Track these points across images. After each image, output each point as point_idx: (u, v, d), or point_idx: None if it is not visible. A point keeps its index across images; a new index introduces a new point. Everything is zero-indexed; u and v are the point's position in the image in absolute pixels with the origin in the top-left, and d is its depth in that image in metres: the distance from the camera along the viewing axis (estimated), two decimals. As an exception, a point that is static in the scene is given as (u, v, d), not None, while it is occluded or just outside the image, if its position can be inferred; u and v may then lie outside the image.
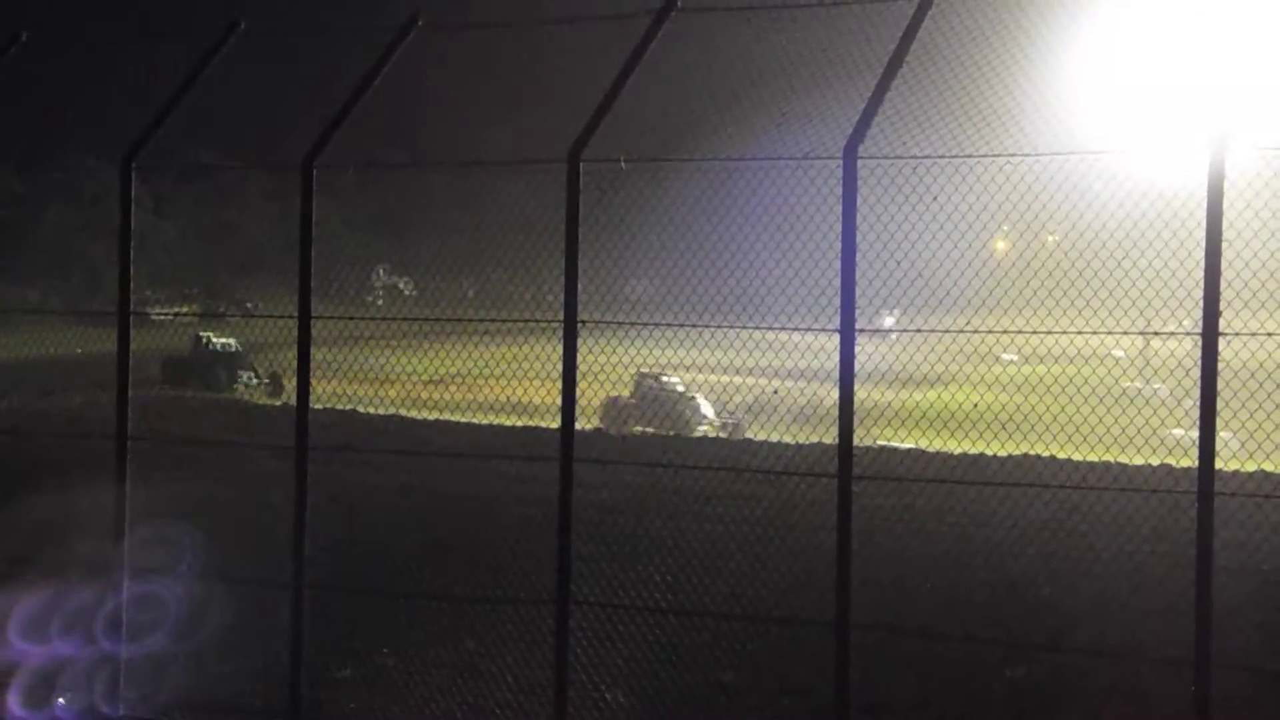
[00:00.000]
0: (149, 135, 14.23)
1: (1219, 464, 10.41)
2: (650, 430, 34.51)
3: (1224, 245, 10.33)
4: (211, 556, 14.57)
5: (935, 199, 11.82)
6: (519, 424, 29.98)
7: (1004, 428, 12.93)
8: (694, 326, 12.95)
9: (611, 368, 13.13)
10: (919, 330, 12.20)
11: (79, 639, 13.74)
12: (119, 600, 13.80)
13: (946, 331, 12.39)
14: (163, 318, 16.85)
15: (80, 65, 16.67)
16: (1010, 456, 14.02)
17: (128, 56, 15.75)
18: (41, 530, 16.28)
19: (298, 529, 13.13)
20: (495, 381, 15.07)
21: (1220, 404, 10.35)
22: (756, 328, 12.95)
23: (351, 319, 14.61)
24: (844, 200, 11.39)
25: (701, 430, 38.27)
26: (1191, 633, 10.44)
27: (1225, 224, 10.31)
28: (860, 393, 11.41)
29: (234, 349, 47.03)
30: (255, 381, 47.08)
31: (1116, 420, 12.50)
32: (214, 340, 47.27)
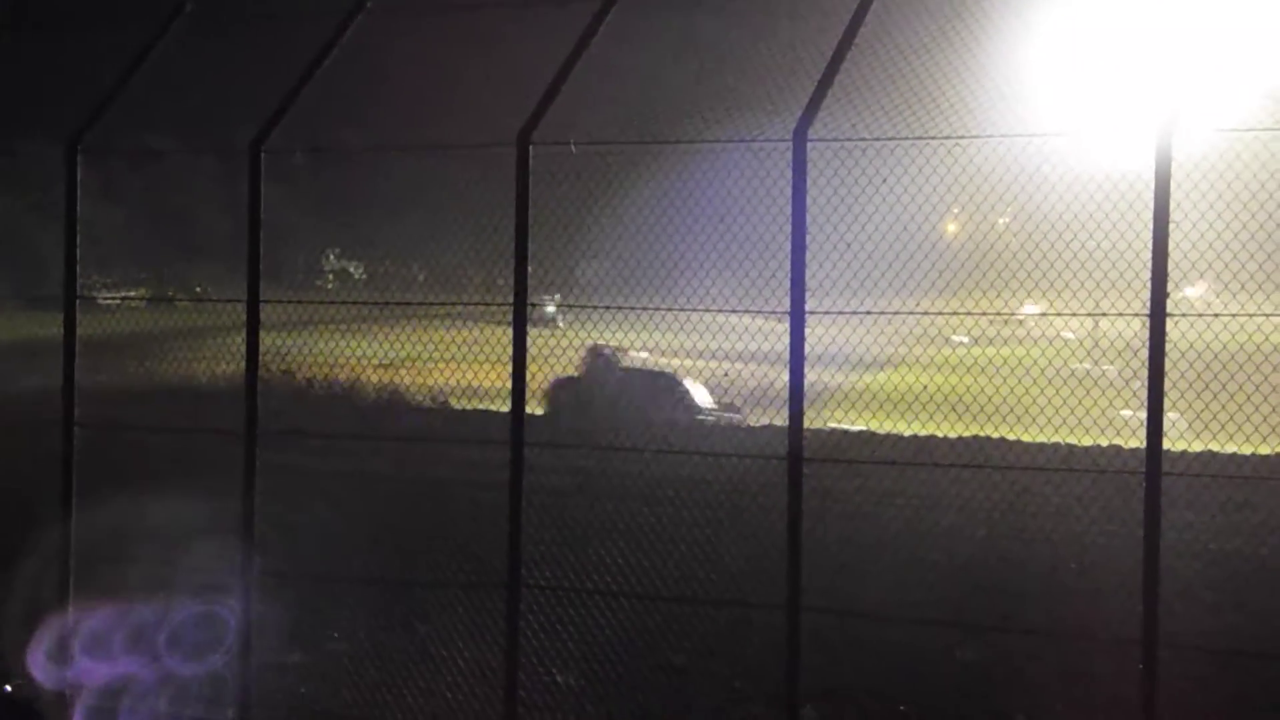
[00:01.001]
0: (95, 119, 14.14)
1: (1167, 444, 10.46)
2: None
3: (1171, 227, 10.37)
4: (165, 540, 14.51)
5: (885, 181, 11.82)
6: (470, 408, 29.89)
7: (954, 409, 12.96)
8: (644, 309, 12.93)
9: (562, 350, 13.11)
10: (869, 312, 12.21)
11: (28, 618, 13.69)
12: (65, 581, 13.73)
13: (897, 313, 12.40)
14: (110, 302, 16.72)
15: (25, 46, 16.53)
16: (961, 438, 14.05)
17: (74, 37, 15.63)
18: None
19: (246, 514, 13.07)
20: (446, 365, 15.01)
21: (1168, 385, 10.40)
22: (706, 310, 12.94)
23: (301, 303, 14.53)
24: (794, 183, 11.39)
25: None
26: (1140, 613, 10.50)
27: (1172, 205, 10.36)
28: (811, 375, 11.42)
29: (654, 365, 34.55)
30: (713, 411, 33.63)
31: (1065, 401, 12.54)
32: (624, 355, 33.41)
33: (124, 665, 13.63)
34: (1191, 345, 10.92)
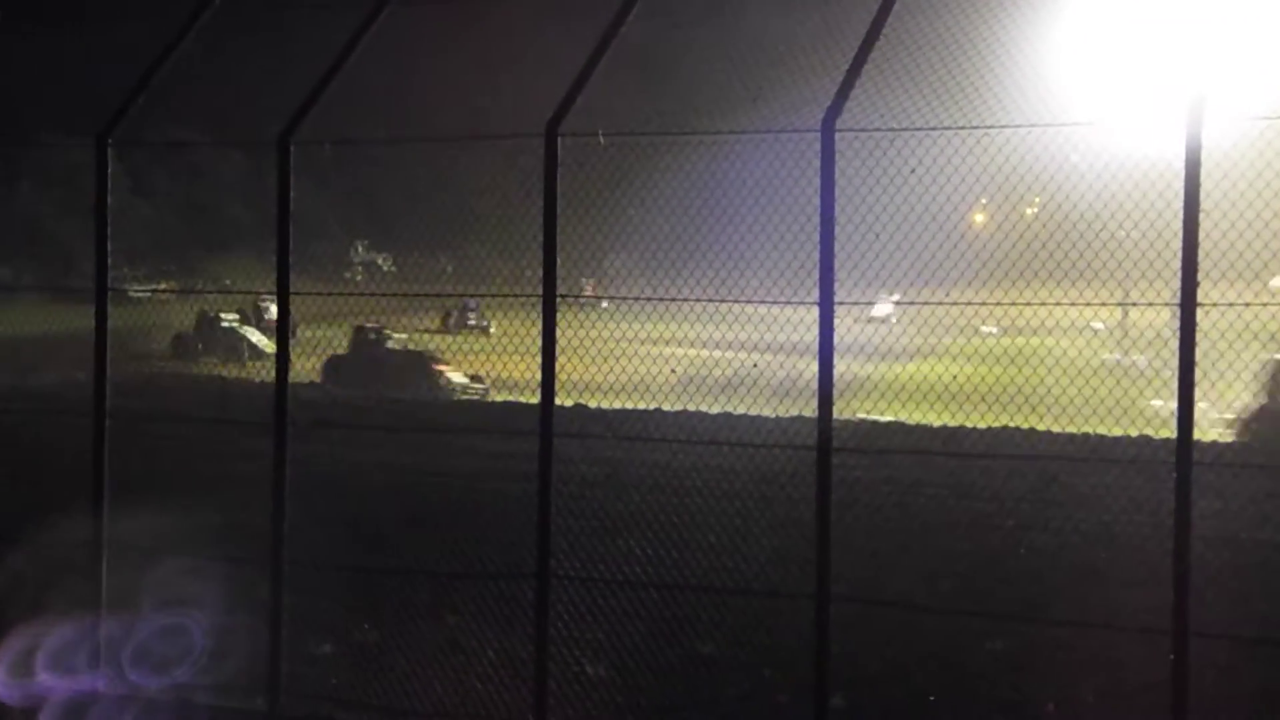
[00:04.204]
0: (124, 112, 14.18)
1: (1197, 434, 10.44)
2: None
3: (1202, 216, 10.34)
4: (193, 532, 14.56)
5: (914, 171, 11.81)
6: (499, 399, 29.95)
7: (983, 400, 12.93)
8: (673, 300, 12.95)
9: (591, 342, 13.12)
10: (898, 302, 12.21)
11: (59, 612, 13.73)
12: (99, 574, 13.79)
13: (926, 304, 12.39)
14: (141, 294, 16.81)
15: (56, 42, 16.60)
16: (990, 429, 14.03)
17: (102, 32, 15.69)
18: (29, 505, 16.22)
19: (276, 505, 13.12)
20: (475, 356, 15.04)
21: (1198, 375, 10.37)
22: (735, 301, 12.94)
23: (330, 295, 14.57)
24: (822, 173, 11.39)
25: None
26: (1170, 602, 10.48)
27: (1203, 194, 10.32)
28: (840, 366, 11.42)
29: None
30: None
31: (1095, 392, 12.52)
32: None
33: (145, 652, 13.70)
34: (1223, 335, 10.89)
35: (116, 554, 13.91)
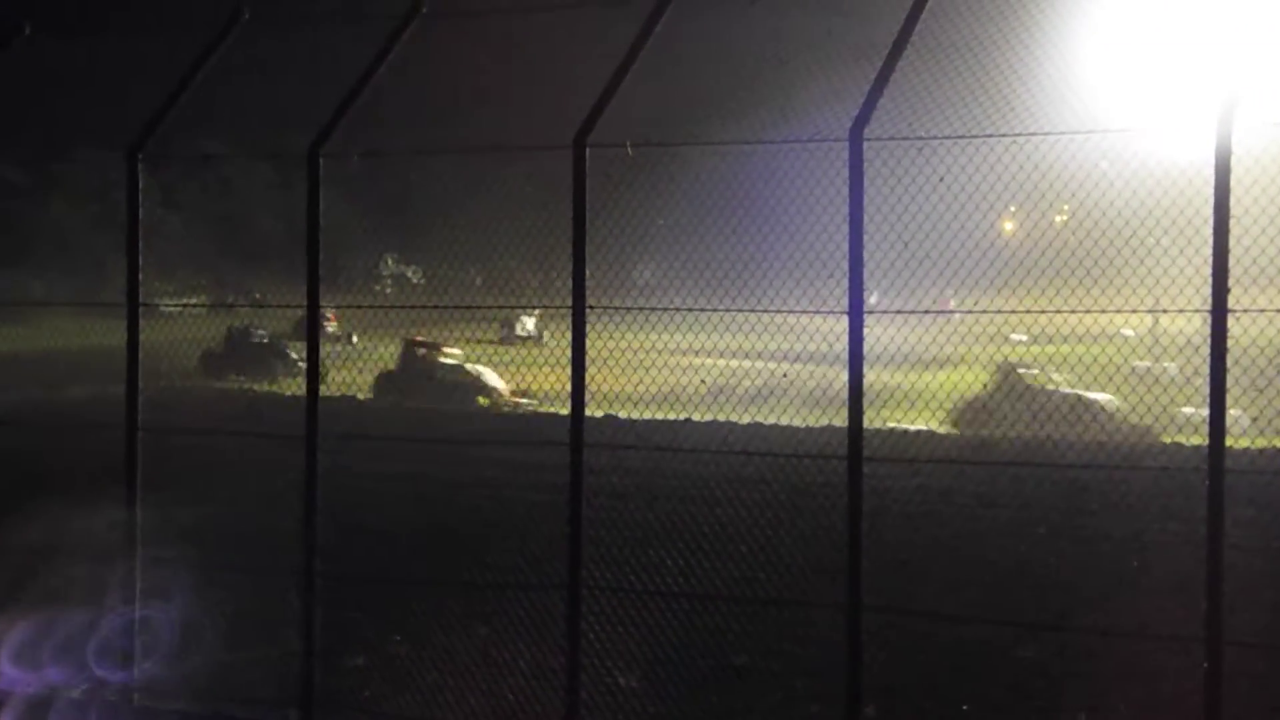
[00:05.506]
0: (154, 126, 14.25)
1: (1229, 441, 10.38)
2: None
3: (1232, 222, 10.29)
4: (225, 545, 14.61)
5: (942, 180, 11.79)
6: (529, 410, 29.97)
7: (1014, 407, 12.91)
8: (702, 310, 12.95)
9: (620, 353, 13.13)
10: (927, 311, 12.19)
11: (90, 624, 13.77)
12: (132, 582, 13.82)
13: (955, 312, 12.37)
14: (172, 309, 16.88)
15: (85, 57, 16.69)
16: (1020, 436, 14.00)
17: (132, 47, 15.77)
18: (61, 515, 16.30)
19: (308, 517, 13.14)
20: (504, 369, 15.05)
21: (1230, 381, 10.32)
22: (765, 311, 12.93)
23: (360, 307, 14.61)
24: (850, 182, 11.37)
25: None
26: (1202, 611, 10.43)
27: (1233, 200, 10.28)
28: (870, 375, 11.40)
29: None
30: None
31: (1126, 399, 12.48)
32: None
33: (178, 665, 13.73)
34: (1254, 341, 10.85)
35: (149, 564, 13.95)
